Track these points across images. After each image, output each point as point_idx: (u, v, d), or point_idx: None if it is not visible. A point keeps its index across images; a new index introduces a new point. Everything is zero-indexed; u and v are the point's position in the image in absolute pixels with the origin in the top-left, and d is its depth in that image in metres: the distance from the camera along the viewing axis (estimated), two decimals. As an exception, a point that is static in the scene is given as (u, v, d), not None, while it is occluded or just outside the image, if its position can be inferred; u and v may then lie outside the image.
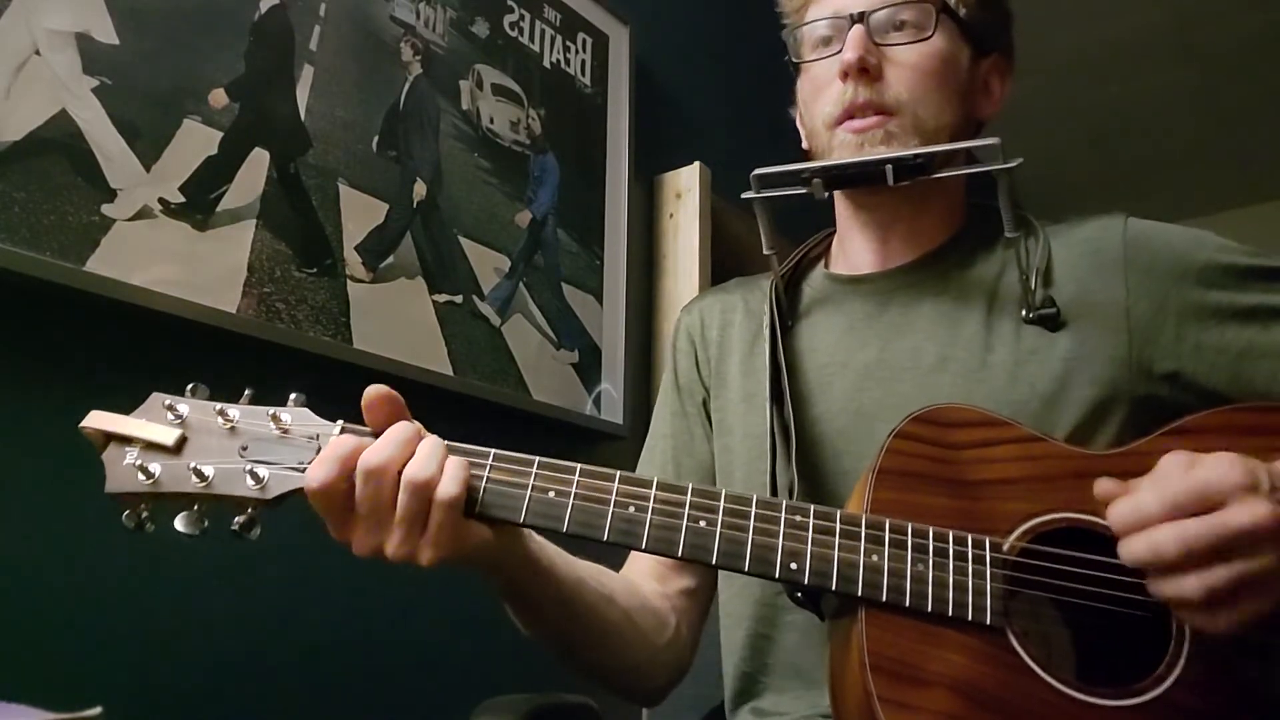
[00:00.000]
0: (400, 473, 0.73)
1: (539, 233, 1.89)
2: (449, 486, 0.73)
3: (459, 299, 1.69)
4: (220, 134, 1.35)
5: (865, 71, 0.94)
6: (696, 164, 2.27)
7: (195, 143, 1.32)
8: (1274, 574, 0.68)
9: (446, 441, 0.78)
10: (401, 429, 0.75)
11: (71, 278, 1.15)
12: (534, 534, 0.84)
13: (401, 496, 0.72)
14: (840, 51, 0.96)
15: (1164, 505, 0.70)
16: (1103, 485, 0.76)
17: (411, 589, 1.51)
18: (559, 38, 2.03)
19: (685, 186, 2.27)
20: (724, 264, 2.22)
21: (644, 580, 1.04)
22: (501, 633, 0.92)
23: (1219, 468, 0.70)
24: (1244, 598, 0.68)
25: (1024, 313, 0.94)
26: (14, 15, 1.14)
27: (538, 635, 0.91)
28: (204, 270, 1.30)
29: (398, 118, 1.63)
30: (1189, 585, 0.68)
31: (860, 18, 0.95)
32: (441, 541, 0.73)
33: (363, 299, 1.51)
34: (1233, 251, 0.93)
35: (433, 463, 0.73)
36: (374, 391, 0.77)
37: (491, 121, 1.82)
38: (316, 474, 0.72)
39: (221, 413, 0.77)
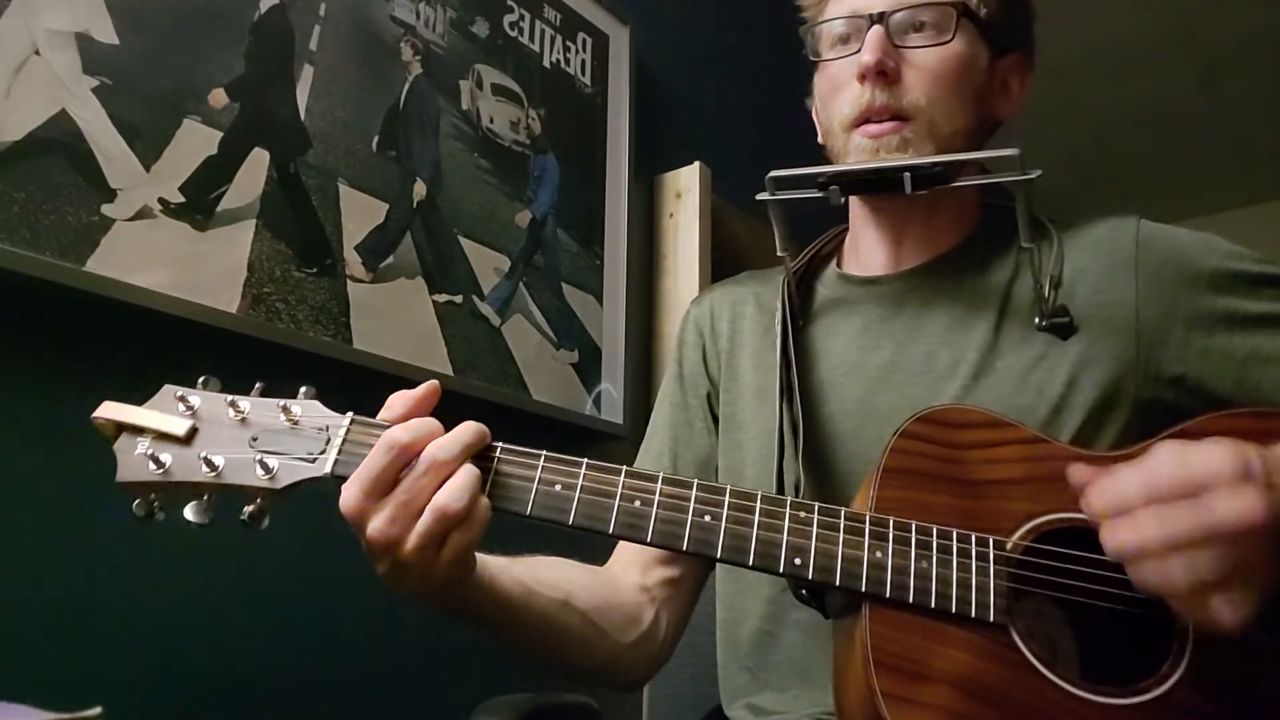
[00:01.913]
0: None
1: (539, 233, 1.89)
2: (473, 532, 0.74)
3: (459, 299, 1.69)
4: (220, 134, 1.35)
5: (883, 75, 0.93)
6: (696, 164, 2.27)
7: (195, 143, 1.32)
8: (1262, 563, 0.66)
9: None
10: (465, 432, 0.76)
11: (71, 278, 1.15)
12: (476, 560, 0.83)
13: (427, 516, 0.72)
14: (858, 51, 0.95)
15: (1147, 490, 0.68)
16: (1076, 472, 0.74)
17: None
18: (559, 38, 2.03)
19: (685, 186, 2.27)
20: (724, 264, 2.22)
21: (625, 570, 1.04)
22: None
23: (1209, 454, 0.68)
24: (1232, 587, 0.66)
25: (1037, 320, 0.94)
26: (14, 15, 1.14)
27: (496, 645, 0.91)
28: (204, 270, 1.30)
29: (398, 118, 1.63)
30: (1175, 574, 0.66)
31: (880, 18, 0.94)
32: (446, 572, 0.75)
33: (363, 299, 1.51)
34: (1242, 258, 0.93)
35: (466, 495, 0.73)
36: (428, 388, 0.79)
37: (491, 121, 1.82)
38: (399, 435, 0.73)
39: (232, 404, 0.78)
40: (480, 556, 0.82)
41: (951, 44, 0.95)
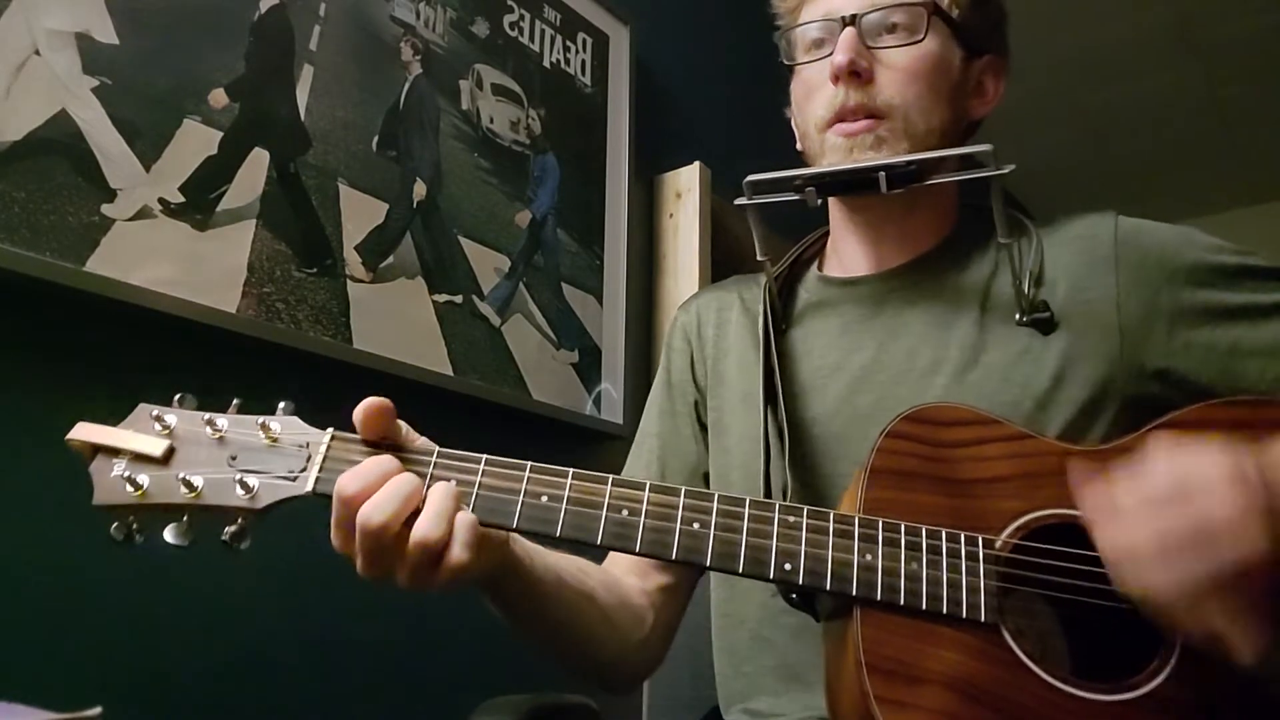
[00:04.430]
0: (404, 522, 0.72)
1: (539, 233, 1.89)
2: (459, 554, 0.72)
3: (459, 299, 1.69)
4: (220, 134, 1.36)
5: (856, 75, 0.94)
6: (696, 164, 2.27)
7: (195, 143, 1.32)
8: (1249, 568, 0.66)
9: (439, 450, 0.78)
10: (400, 484, 0.73)
11: (71, 278, 1.15)
12: (516, 536, 0.83)
13: (411, 552, 0.72)
14: (832, 54, 0.96)
15: (1141, 498, 0.69)
16: (1075, 471, 0.74)
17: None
18: (559, 38, 2.03)
19: (685, 186, 2.27)
20: (724, 264, 2.22)
21: (624, 576, 1.04)
22: (501, 633, 0.92)
23: (1203, 458, 0.69)
24: (1218, 596, 0.66)
25: (1018, 316, 0.94)
26: (14, 15, 1.15)
27: (514, 629, 0.91)
28: (204, 270, 1.30)
29: (398, 118, 1.63)
30: (1159, 582, 0.67)
31: (852, 20, 0.95)
32: (448, 584, 0.74)
33: (363, 299, 1.52)
34: (1221, 251, 0.94)
35: (442, 522, 0.72)
36: (367, 408, 0.76)
37: (491, 121, 1.83)
38: (351, 483, 0.73)
39: (210, 422, 0.76)
40: (520, 541, 0.83)
41: (924, 43, 0.95)
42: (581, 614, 0.93)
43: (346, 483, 0.73)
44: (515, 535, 0.82)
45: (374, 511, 0.71)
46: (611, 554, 1.07)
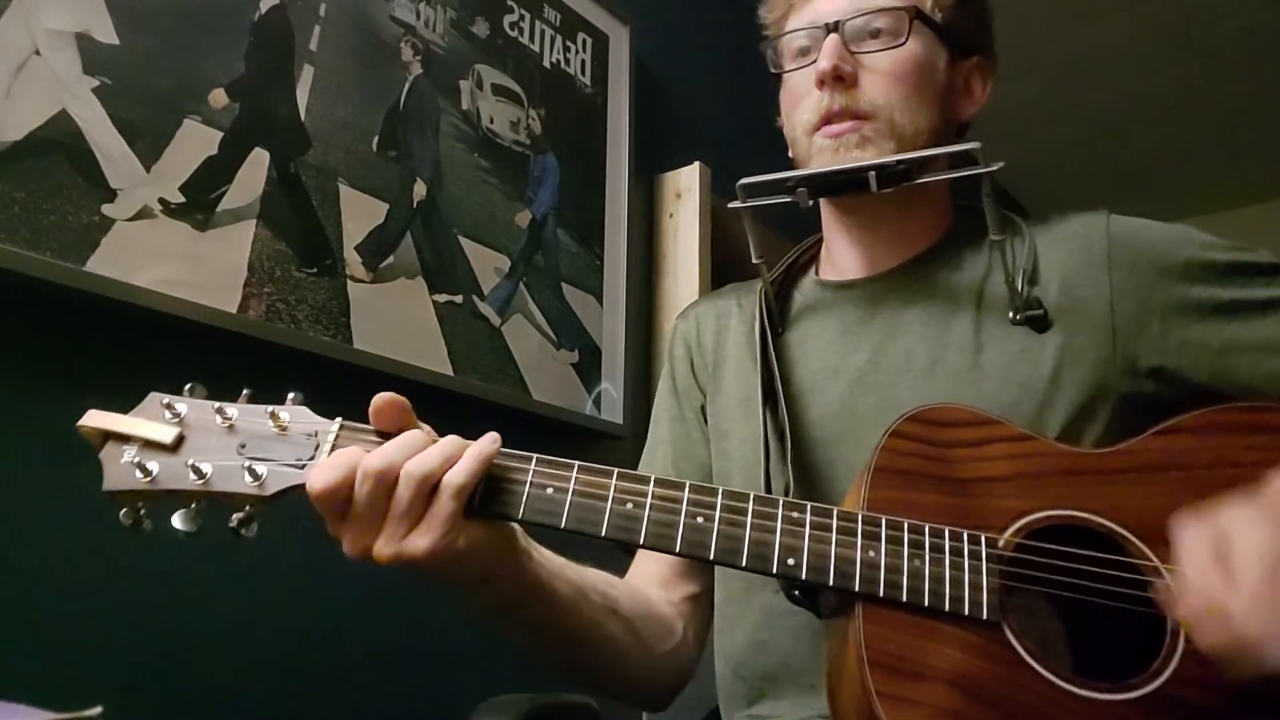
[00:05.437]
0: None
1: (539, 233, 1.89)
2: (457, 475, 0.73)
3: (459, 299, 1.69)
4: (220, 134, 1.35)
5: (840, 79, 0.96)
6: (696, 164, 2.27)
7: (195, 143, 1.32)
8: None
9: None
10: (411, 436, 0.75)
11: (71, 278, 1.15)
12: (533, 551, 0.83)
13: (399, 489, 0.72)
14: (816, 61, 0.97)
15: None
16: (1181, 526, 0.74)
17: (413, 589, 1.51)
18: (559, 38, 2.03)
19: (685, 186, 2.27)
20: (724, 264, 2.22)
21: (649, 588, 1.04)
22: (501, 632, 0.92)
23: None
24: None
25: (1011, 315, 0.95)
26: (14, 15, 1.15)
27: (531, 650, 0.91)
28: (204, 270, 1.30)
29: (398, 118, 1.63)
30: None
31: (835, 26, 0.97)
32: (434, 529, 0.72)
33: (363, 299, 1.51)
34: (1214, 248, 0.94)
35: (436, 459, 0.73)
36: (382, 398, 0.77)
37: (491, 121, 1.83)
38: (320, 477, 0.72)
39: (220, 411, 0.77)
40: (540, 559, 0.83)
41: (906, 46, 0.97)
42: (605, 631, 0.92)
43: (347, 452, 0.74)
44: (529, 552, 0.82)
45: (376, 457, 0.72)
46: (635, 569, 1.08)
